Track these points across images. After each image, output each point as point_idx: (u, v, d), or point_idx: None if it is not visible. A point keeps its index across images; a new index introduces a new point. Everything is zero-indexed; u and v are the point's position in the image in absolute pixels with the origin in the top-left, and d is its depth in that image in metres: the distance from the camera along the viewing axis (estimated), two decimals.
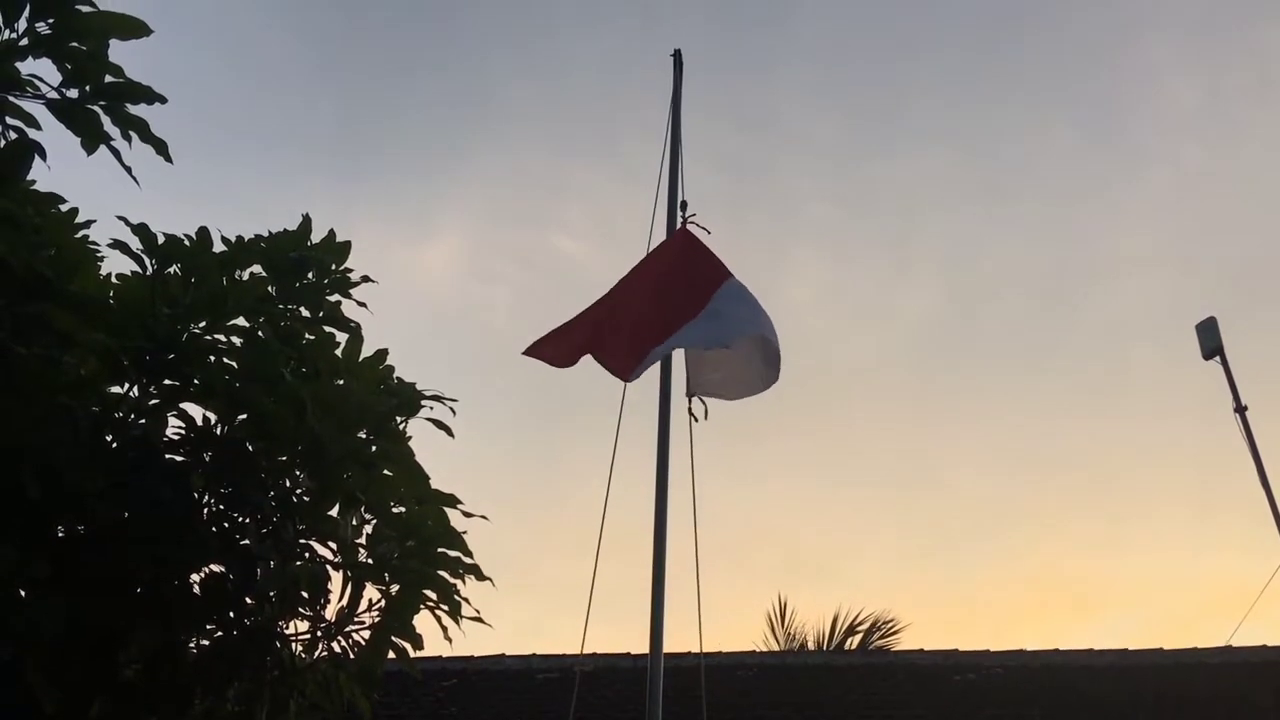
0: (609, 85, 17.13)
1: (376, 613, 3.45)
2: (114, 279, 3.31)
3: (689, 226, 6.20)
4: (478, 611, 3.56)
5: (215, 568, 3.24)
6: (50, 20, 2.54)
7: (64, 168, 2.88)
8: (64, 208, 3.09)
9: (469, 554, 3.53)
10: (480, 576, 3.48)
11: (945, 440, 19.40)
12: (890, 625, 14.20)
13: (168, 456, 3.29)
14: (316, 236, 3.57)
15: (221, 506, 3.32)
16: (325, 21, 16.96)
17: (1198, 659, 9.13)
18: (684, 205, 6.24)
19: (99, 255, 3.27)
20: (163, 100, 2.70)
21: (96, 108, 2.66)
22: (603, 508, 5.47)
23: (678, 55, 6.49)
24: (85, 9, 2.56)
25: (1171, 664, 9.12)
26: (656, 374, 5.97)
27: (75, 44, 2.57)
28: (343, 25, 17.27)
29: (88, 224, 3.20)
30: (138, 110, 2.69)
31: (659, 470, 5.64)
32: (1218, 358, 7.98)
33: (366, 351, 3.59)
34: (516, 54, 17.37)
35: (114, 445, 3.19)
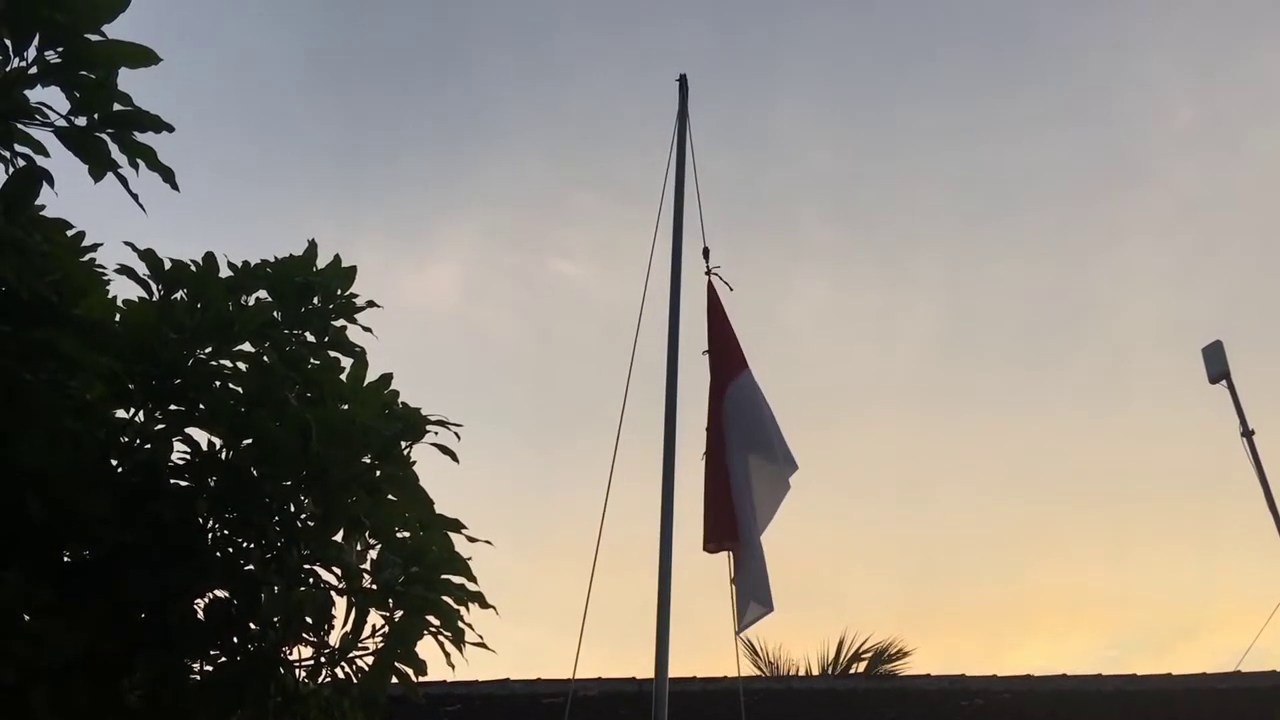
0: (610, 109, 17.24)
1: (380, 638, 3.43)
2: (120, 303, 3.33)
3: (712, 279, 6.22)
4: (481, 637, 3.55)
5: (219, 593, 3.24)
6: (60, 49, 2.56)
7: (71, 192, 2.90)
8: (71, 232, 3.11)
9: (473, 579, 3.52)
10: (484, 604, 3.47)
11: (947, 461, 19.38)
12: (897, 653, 14.09)
13: (172, 481, 3.29)
14: (322, 261, 3.58)
15: (226, 531, 3.32)
16: (327, 46, 17.11)
17: (1206, 684, 9.07)
18: (706, 253, 6.26)
19: (106, 279, 3.28)
20: (170, 129, 2.71)
21: (104, 135, 2.67)
22: (598, 533, 5.48)
23: (683, 80, 6.53)
24: (94, 38, 2.58)
25: (1180, 689, 9.07)
26: (661, 394, 5.97)
27: (84, 72, 2.59)
28: (344, 50, 17.40)
29: (94, 248, 3.22)
30: (145, 138, 2.71)
31: (664, 494, 5.65)
32: (1224, 381, 7.98)
33: (371, 376, 3.60)
34: (517, 77, 17.49)
35: (119, 470, 3.19)
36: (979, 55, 17.30)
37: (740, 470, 5.74)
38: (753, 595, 5.50)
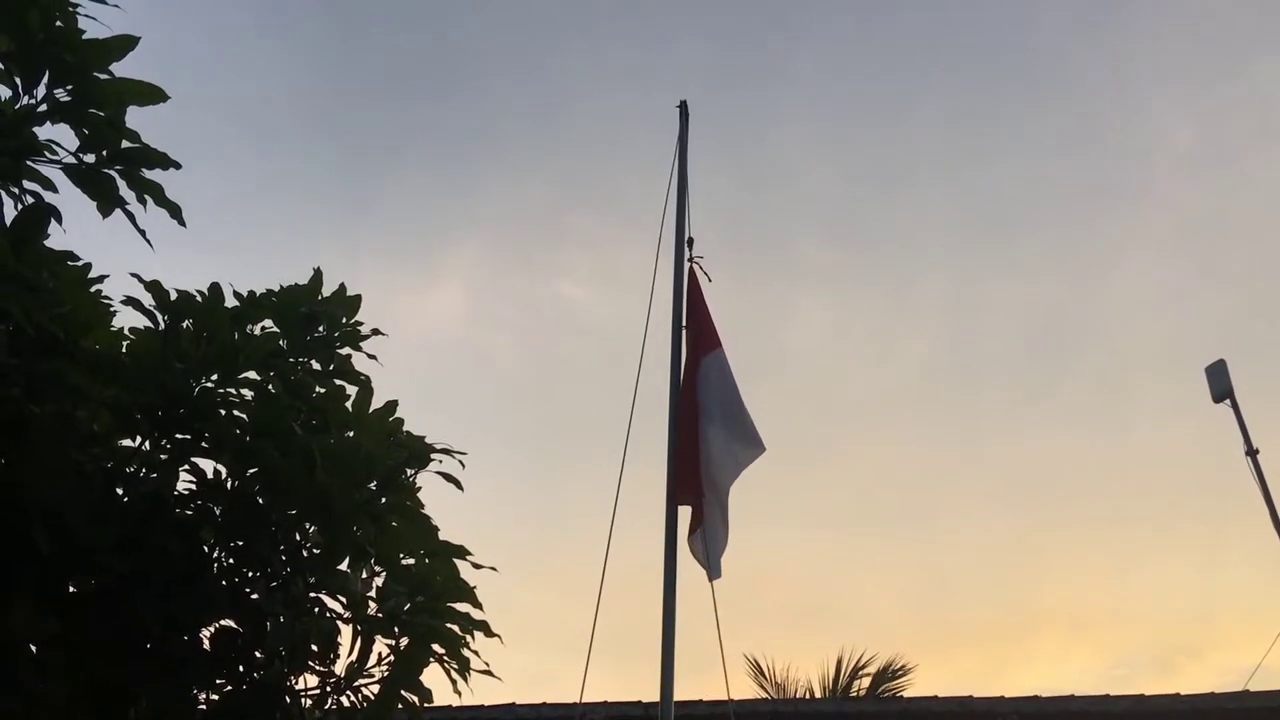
0: (611, 132, 17.28)
1: (386, 667, 3.44)
2: (127, 332, 3.35)
3: (694, 267, 6.31)
4: (487, 665, 3.55)
5: (225, 623, 3.25)
6: (69, 87, 2.59)
7: (78, 223, 2.93)
8: (75, 264, 3.13)
9: (479, 606, 3.53)
10: (489, 633, 3.48)
11: (949, 482, 19.33)
12: (899, 669, 14.05)
13: (177, 510, 3.31)
14: (327, 289, 3.60)
15: (231, 561, 3.33)
16: (326, 70, 17.19)
17: (1214, 704, 9.02)
18: (690, 242, 6.33)
19: (111, 310, 3.31)
20: (178, 166, 2.74)
21: (113, 172, 2.70)
22: (605, 555, 5.49)
23: (683, 106, 6.57)
24: (103, 77, 2.61)
25: (1188, 709, 9.02)
26: (664, 421, 5.99)
27: (93, 110, 2.62)
28: (346, 74, 17.49)
29: (100, 279, 3.24)
30: (152, 174, 2.74)
31: (668, 516, 5.65)
32: (1228, 400, 7.97)
33: (376, 403, 3.61)
34: (518, 101, 17.56)
35: (125, 500, 3.21)
36: (977, 76, 17.37)
37: (709, 438, 5.84)
38: (712, 559, 5.63)
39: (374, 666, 3.44)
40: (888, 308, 18.78)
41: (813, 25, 16.28)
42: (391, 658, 3.44)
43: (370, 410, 3.57)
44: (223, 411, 3.30)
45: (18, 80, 2.60)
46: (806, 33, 16.33)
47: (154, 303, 3.25)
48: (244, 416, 3.32)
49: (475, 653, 3.51)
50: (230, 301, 3.38)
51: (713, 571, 5.64)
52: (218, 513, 3.32)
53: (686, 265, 6.32)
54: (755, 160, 16.64)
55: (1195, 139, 17.08)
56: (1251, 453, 7.82)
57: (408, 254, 18.65)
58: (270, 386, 3.35)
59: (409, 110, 18.03)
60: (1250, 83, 16.21)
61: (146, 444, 3.27)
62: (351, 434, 3.47)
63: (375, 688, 3.44)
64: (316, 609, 3.41)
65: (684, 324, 6.17)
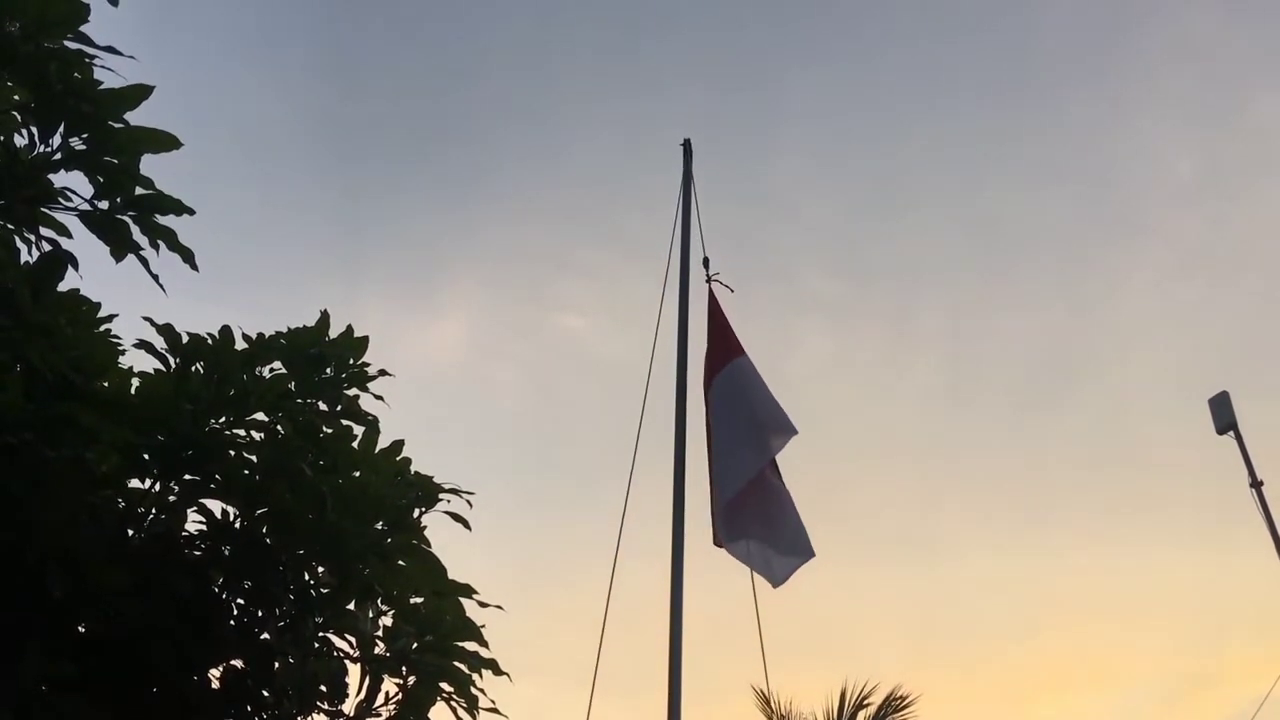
0: (611, 165, 17.45)
1: (394, 706, 3.44)
2: (136, 373, 3.37)
3: (712, 286, 6.35)
4: (493, 702, 3.55)
5: (235, 662, 3.26)
6: (84, 135, 2.63)
7: (87, 263, 2.95)
8: (86, 303, 3.15)
9: (485, 645, 3.54)
10: (497, 671, 3.48)
11: (951, 510, 19.29)
12: (903, 700, 13.90)
13: (187, 551, 3.32)
14: (334, 330, 3.62)
15: (241, 601, 3.34)
16: (330, 107, 17.36)
17: None
18: (706, 262, 6.38)
19: (120, 348, 3.33)
20: (191, 212, 2.78)
21: (126, 218, 2.74)
22: (609, 584, 5.48)
23: (687, 145, 6.60)
24: (117, 125, 2.66)
25: None
26: (670, 448, 5.99)
27: (108, 158, 2.66)
28: (348, 112, 17.65)
29: (110, 318, 3.26)
30: (165, 219, 2.77)
31: (674, 544, 5.64)
32: (1231, 432, 7.94)
33: (383, 441, 3.62)
34: (519, 135, 17.73)
35: (135, 540, 3.22)
36: (978, 109, 17.53)
37: (723, 459, 5.85)
38: (788, 551, 5.62)
39: (382, 706, 3.44)
40: (889, 337, 18.85)
41: (809, 59, 16.44)
42: (399, 696, 3.44)
43: (377, 450, 3.59)
44: (232, 452, 3.32)
45: (34, 130, 2.64)
46: (803, 67, 16.49)
47: (166, 345, 3.28)
48: (253, 457, 3.34)
49: (482, 690, 3.52)
50: (240, 344, 3.40)
51: (776, 578, 5.65)
52: (227, 553, 3.33)
53: (705, 286, 6.38)
54: (756, 194, 16.77)
55: (1195, 169, 17.20)
56: (1256, 485, 7.79)
57: (411, 289, 18.76)
58: (279, 428, 3.37)
59: (413, 148, 18.19)
60: (1249, 115, 16.34)
61: (156, 485, 3.29)
62: (359, 474, 3.49)
63: None
64: (325, 649, 3.42)
65: (689, 350, 6.19)
